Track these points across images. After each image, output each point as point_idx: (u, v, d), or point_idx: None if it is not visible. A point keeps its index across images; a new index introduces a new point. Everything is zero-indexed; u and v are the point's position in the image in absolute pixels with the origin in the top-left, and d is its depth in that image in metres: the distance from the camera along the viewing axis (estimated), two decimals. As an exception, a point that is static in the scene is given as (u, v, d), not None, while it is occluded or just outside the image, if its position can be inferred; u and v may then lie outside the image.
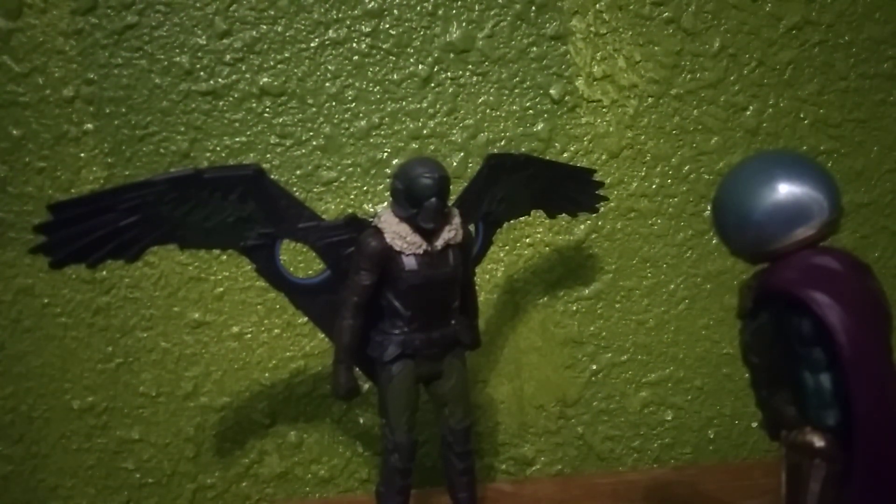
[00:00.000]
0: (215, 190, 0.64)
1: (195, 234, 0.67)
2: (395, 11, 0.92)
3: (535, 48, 0.94)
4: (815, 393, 0.41)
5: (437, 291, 0.69)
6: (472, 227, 0.77)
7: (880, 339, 0.41)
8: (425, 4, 0.92)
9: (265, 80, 0.91)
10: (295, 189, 0.91)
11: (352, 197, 0.94)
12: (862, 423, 0.37)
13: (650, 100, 0.97)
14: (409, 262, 0.67)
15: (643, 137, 0.98)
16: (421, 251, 0.67)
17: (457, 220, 0.69)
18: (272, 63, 0.91)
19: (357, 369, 0.72)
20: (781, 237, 0.48)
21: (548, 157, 0.94)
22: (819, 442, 0.39)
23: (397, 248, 0.66)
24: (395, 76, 0.93)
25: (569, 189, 0.88)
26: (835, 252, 0.46)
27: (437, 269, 0.68)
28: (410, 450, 0.71)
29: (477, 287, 0.80)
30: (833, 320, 0.39)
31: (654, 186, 0.98)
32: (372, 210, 0.93)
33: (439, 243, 0.67)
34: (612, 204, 0.97)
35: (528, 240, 0.98)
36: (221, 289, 0.93)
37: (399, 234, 0.66)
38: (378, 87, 0.93)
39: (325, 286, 0.72)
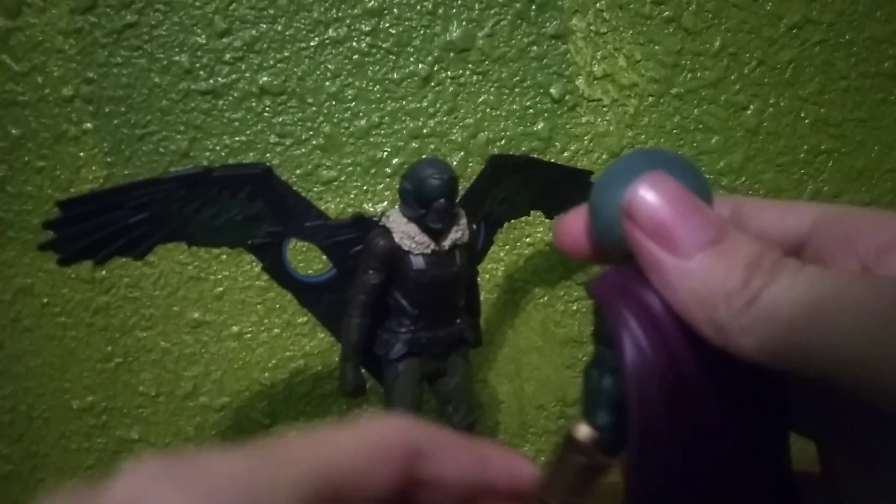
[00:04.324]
0: (224, 188, 0.68)
1: (203, 232, 0.70)
2: (395, 10, 0.96)
3: (535, 47, 0.99)
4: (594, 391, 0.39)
5: (444, 291, 0.73)
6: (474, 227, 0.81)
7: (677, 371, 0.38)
8: (425, 3, 0.96)
9: (265, 79, 0.95)
10: (295, 188, 0.94)
11: (352, 196, 0.98)
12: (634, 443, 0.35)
13: (651, 99, 1.01)
14: (418, 262, 0.71)
15: (644, 137, 1.02)
16: (429, 251, 0.71)
17: (464, 221, 0.73)
18: (272, 62, 0.95)
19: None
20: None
21: (548, 157, 0.98)
22: (583, 434, 0.37)
23: (406, 248, 0.70)
24: (395, 75, 0.97)
25: (566, 190, 0.92)
26: None
27: (445, 268, 0.72)
28: (415, 446, 0.75)
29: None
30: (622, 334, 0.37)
31: (654, 186, 1.02)
32: (372, 210, 0.97)
33: (447, 243, 0.71)
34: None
35: (528, 239, 1.02)
36: (221, 288, 0.97)
37: (408, 234, 0.70)
38: (378, 87, 0.97)
39: (332, 285, 0.76)
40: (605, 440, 0.35)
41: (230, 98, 0.95)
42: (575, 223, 0.33)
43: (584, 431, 0.36)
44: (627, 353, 0.31)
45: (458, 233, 0.72)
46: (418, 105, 0.98)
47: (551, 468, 0.38)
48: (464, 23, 0.97)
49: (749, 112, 1.03)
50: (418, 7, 0.96)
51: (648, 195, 0.27)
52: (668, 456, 0.31)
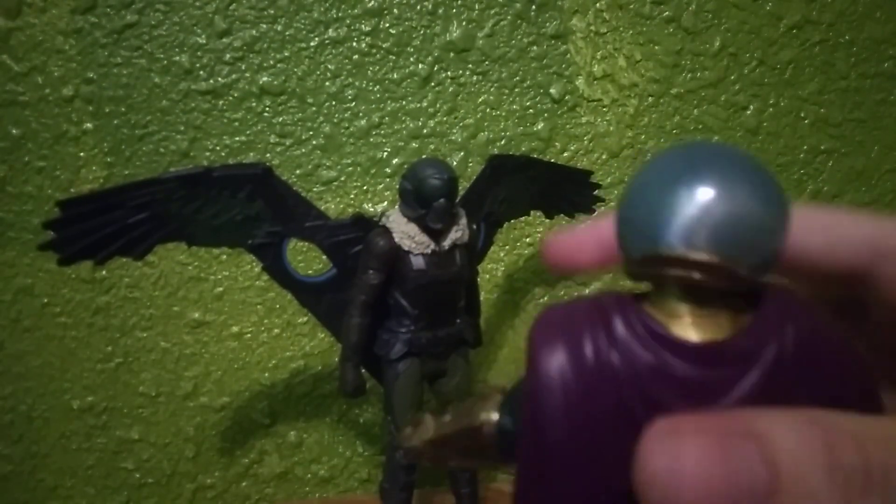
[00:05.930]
0: (224, 188, 0.68)
1: (203, 232, 0.70)
2: (395, 10, 0.96)
3: (535, 47, 0.99)
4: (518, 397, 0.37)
5: (444, 291, 0.74)
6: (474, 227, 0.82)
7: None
8: (425, 3, 0.96)
9: (265, 79, 0.95)
10: (295, 188, 0.95)
11: (352, 196, 0.98)
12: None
13: (650, 99, 1.02)
14: (418, 262, 0.71)
15: (643, 137, 1.02)
16: (429, 251, 0.71)
17: (463, 221, 0.73)
18: (272, 62, 0.95)
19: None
20: None
21: (548, 157, 0.99)
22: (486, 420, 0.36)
23: (406, 248, 0.70)
24: (395, 75, 0.97)
25: (567, 190, 0.93)
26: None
27: (445, 268, 0.72)
28: (415, 446, 0.76)
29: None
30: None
31: (654, 186, 1.02)
32: (372, 210, 0.97)
33: (447, 243, 0.72)
34: (612, 204, 1.01)
35: (528, 239, 1.02)
36: (221, 288, 0.97)
37: (408, 234, 0.70)
38: (378, 87, 0.97)
39: (332, 285, 0.76)
40: (502, 442, 0.34)
41: (230, 98, 0.95)
42: (587, 236, 0.31)
43: (489, 420, 0.35)
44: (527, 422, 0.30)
45: (458, 233, 0.72)
46: (418, 105, 0.98)
47: (451, 425, 0.37)
48: (464, 23, 0.97)
49: (749, 112, 1.04)
50: (418, 7, 0.96)
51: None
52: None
